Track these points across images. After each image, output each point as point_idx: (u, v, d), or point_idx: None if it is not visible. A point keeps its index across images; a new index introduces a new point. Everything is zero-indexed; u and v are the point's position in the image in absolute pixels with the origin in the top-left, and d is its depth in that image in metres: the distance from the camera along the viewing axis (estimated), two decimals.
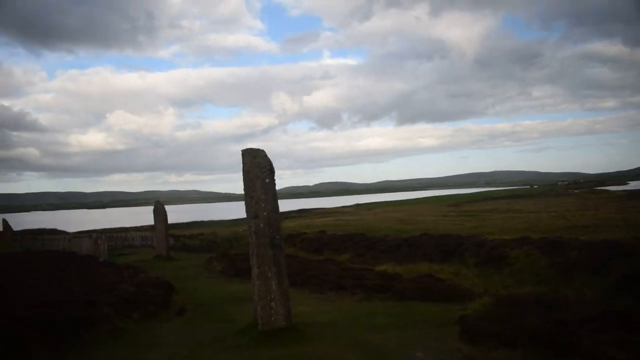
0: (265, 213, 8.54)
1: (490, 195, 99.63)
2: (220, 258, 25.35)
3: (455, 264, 20.38)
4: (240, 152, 8.81)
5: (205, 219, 79.75)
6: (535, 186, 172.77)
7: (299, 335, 8.25)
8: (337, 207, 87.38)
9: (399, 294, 11.63)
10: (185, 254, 31.32)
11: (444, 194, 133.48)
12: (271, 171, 8.79)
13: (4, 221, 42.77)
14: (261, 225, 8.50)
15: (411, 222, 41.25)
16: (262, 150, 8.87)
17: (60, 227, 67.93)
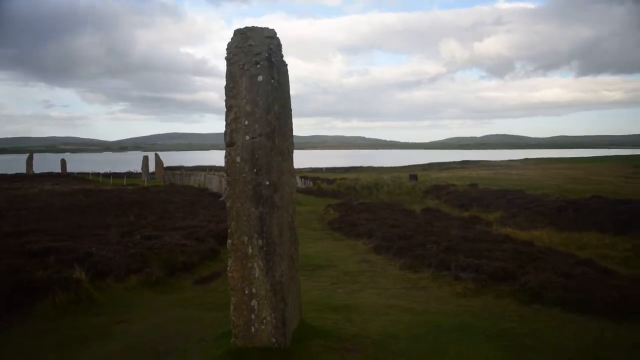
0: (247, 137, 4.46)
1: None
2: (338, 206, 22.29)
3: (636, 238, 15.57)
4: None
5: (365, 164, 78.50)
6: None
7: None
8: (503, 161, 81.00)
9: (531, 290, 7.15)
10: (313, 199, 29.09)
11: (629, 154, 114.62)
12: (269, 62, 4.50)
13: (156, 156, 44.47)
14: (237, 159, 4.50)
15: (584, 181, 34.80)
16: (269, 29, 4.77)
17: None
